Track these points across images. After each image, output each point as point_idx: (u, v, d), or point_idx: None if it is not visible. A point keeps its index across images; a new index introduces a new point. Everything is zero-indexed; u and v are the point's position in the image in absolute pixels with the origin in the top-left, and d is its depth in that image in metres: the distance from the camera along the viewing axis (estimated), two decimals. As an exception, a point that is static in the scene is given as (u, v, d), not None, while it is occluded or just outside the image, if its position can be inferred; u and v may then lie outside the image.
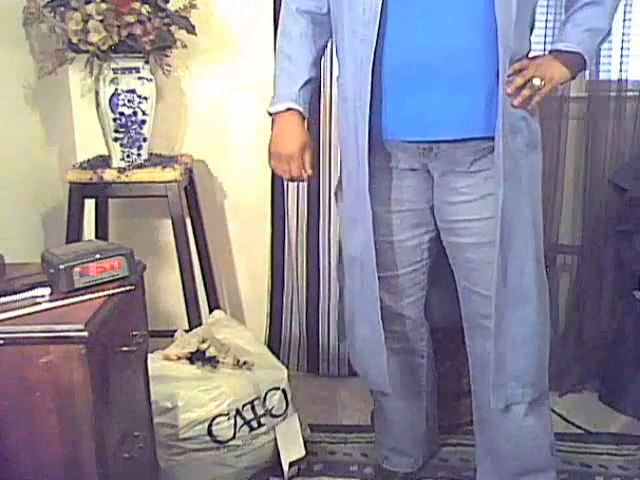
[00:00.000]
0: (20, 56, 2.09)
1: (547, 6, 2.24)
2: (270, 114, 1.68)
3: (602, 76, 2.33)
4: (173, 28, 2.11)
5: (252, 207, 2.53)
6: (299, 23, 1.65)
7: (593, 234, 2.43)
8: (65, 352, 1.22)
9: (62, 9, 1.99)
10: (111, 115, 2.11)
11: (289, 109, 1.63)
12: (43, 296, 1.35)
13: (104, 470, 1.30)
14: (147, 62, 2.13)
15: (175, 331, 2.12)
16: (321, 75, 2.05)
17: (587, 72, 2.19)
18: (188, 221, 2.34)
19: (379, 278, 1.63)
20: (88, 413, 1.25)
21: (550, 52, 1.59)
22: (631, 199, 2.27)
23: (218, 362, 1.95)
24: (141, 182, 2.13)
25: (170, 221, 2.18)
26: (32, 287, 1.37)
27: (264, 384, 1.96)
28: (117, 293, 1.38)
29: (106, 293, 1.36)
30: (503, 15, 1.43)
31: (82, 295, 1.34)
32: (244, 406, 1.90)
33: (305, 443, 2.03)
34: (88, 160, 2.26)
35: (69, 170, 2.17)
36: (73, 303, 1.32)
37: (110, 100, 2.10)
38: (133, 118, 2.13)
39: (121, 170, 2.12)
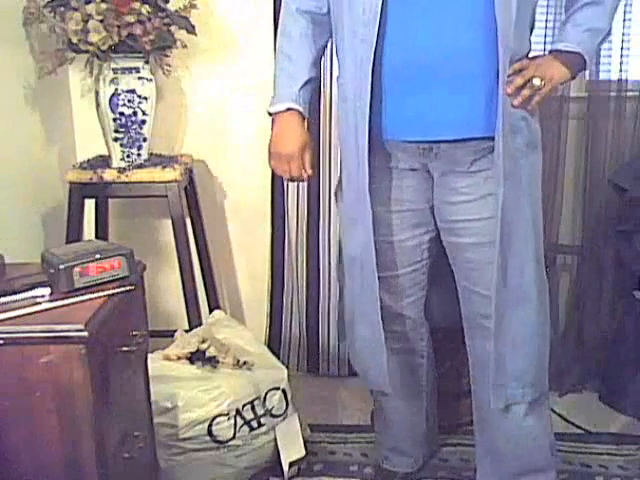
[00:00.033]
0: (20, 56, 2.09)
1: (547, 6, 2.24)
2: (270, 114, 1.68)
3: (602, 76, 2.33)
4: (173, 28, 2.11)
5: (252, 207, 2.53)
6: (299, 23, 1.65)
7: (593, 234, 2.43)
8: (65, 352, 1.22)
9: (62, 9, 1.99)
10: (111, 115, 2.11)
11: (289, 109, 1.63)
12: (43, 296, 1.35)
13: (104, 470, 1.30)
14: (147, 62, 2.13)
15: (175, 331, 2.12)
16: (321, 75, 2.05)
17: (587, 72, 2.19)
18: (188, 221, 2.34)
19: (379, 278, 1.63)
20: (88, 413, 1.25)
21: (550, 52, 1.59)
22: (631, 199, 2.27)
23: (218, 362, 1.95)
24: (141, 182, 2.13)
25: (170, 221, 2.18)
26: (32, 287, 1.37)
27: (264, 384, 1.96)
28: (117, 293, 1.38)
29: (106, 293, 1.36)
30: (503, 15, 1.43)
31: (82, 295, 1.34)
32: (244, 406, 1.90)
33: (305, 443, 2.03)
34: (88, 160, 2.26)
35: (69, 170, 2.17)
36: (73, 303, 1.32)
37: (110, 100, 2.10)
38: (133, 118, 2.13)
39: (121, 170, 2.12)
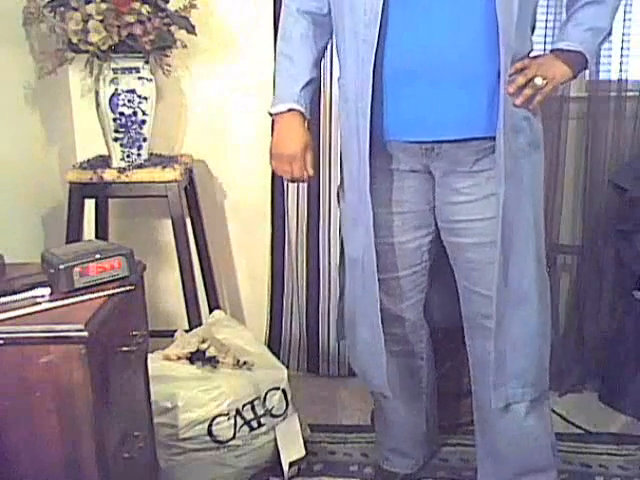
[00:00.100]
0: (20, 56, 2.09)
1: (547, 6, 2.24)
2: (271, 115, 1.68)
3: (602, 76, 2.33)
4: (173, 28, 2.11)
5: (252, 207, 2.53)
6: (300, 24, 1.64)
7: (593, 234, 2.43)
8: (65, 352, 1.22)
9: (62, 9, 1.99)
10: (111, 115, 2.11)
11: (290, 110, 1.63)
12: (43, 296, 1.35)
13: (104, 470, 1.30)
14: (147, 62, 2.13)
15: (175, 331, 2.12)
16: (321, 76, 2.05)
17: (587, 72, 2.19)
18: (188, 221, 2.34)
19: (379, 280, 1.62)
20: (88, 413, 1.25)
21: (551, 51, 1.59)
22: (631, 199, 2.27)
23: (218, 362, 1.95)
24: (141, 182, 2.13)
25: (170, 221, 2.18)
26: (32, 287, 1.37)
27: (264, 384, 1.96)
28: (117, 293, 1.38)
29: (106, 293, 1.36)
30: (504, 15, 1.43)
31: (82, 295, 1.34)
32: (244, 406, 1.90)
33: (305, 443, 2.03)
34: (88, 160, 2.26)
35: (69, 170, 2.17)
36: (73, 303, 1.32)
37: (110, 100, 2.10)
38: (133, 118, 2.13)
39: (121, 170, 2.12)
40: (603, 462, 2.05)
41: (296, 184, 2.40)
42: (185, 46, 2.16)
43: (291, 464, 1.98)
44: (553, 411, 2.12)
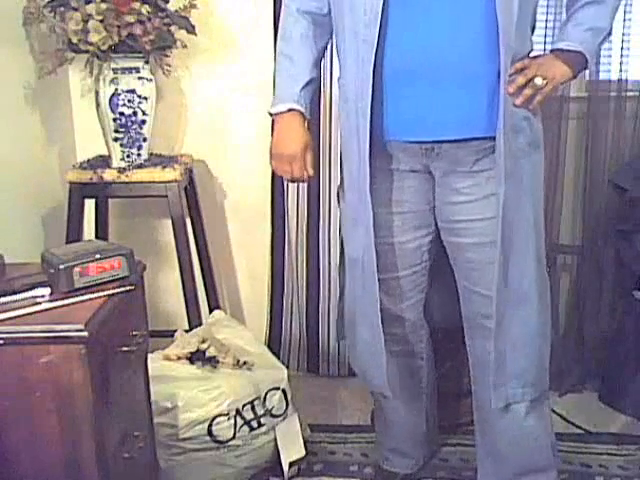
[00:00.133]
0: (20, 56, 2.09)
1: (547, 6, 2.24)
2: (271, 115, 1.68)
3: (602, 76, 2.33)
4: (173, 28, 2.11)
5: (252, 207, 2.53)
6: (300, 24, 1.64)
7: (593, 234, 2.43)
8: (65, 352, 1.22)
9: (62, 9, 1.99)
10: (111, 115, 2.11)
11: (291, 110, 1.63)
12: (43, 296, 1.35)
13: (104, 470, 1.30)
14: (147, 62, 2.13)
15: (175, 331, 2.12)
16: (321, 76, 2.05)
17: (587, 72, 2.19)
18: (188, 221, 2.34)
19: (379, 280, 1.62)
20: (88, 413, 1.25)
21: (551, 51, 1.59)
22: (631, 199, 2.27)
23: (218, 362, 1.95)
24: (141, 182, 2.13)
25: (170, 221, 2.18)
26: (32, 287, 1.37)
27: (264, 384, 1.96)
28: (117, 293, 1.38)
29: (106, 293, 1.36)
30: (504, 15, 1.43)
31: (82, 295, 1.34)
32: (244, 406, 1.90)
33: (305, 443, 2.03)
34: (88, 160, 2.26)
35: (69, 170, 2.17)
36: (73, 303, 1.32)
37: (110, 100, 2.10)
38: (133, 118, 2.13)
39: (121, 170, 2.12)
40: (603, 462, 2.05)
41: (296, 184, 2.40)
42: (185, 46, 2.16)
43: (291, 464, 1.98)
44: (553, 411, 2.12)
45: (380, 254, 1.62)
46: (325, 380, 2.56)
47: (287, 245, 2.51)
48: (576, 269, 2.49)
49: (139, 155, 2.18)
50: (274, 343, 2.57)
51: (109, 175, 2.12)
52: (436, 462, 2.05)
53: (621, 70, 2.31)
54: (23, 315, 1.26)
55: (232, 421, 1.87)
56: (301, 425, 2.05)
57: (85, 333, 1.21)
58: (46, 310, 1.29)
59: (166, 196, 2.14)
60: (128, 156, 2.16)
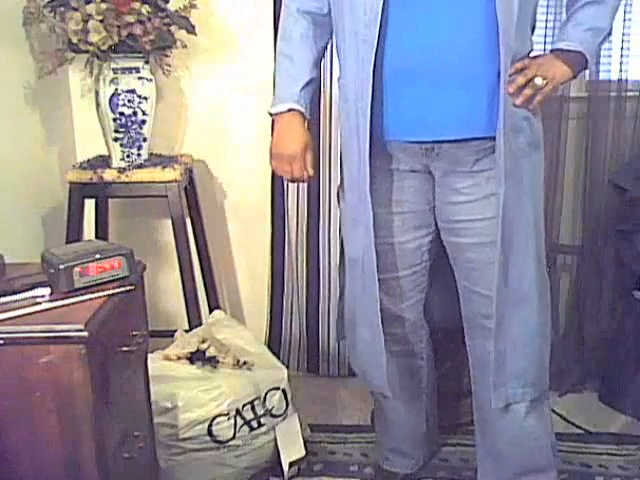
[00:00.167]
0: (20, 56, 2.09)
1: (547, 6, 2.24)
2: (271, 115, 1.68)
3: (602, 76, 2.33)
4: (173, 28, 2.11)
5: (252, 207, 2.53)
6: (300, 24, 1.64)
7: (593, 234, 2.43)
8: (65, 352, 1.22)
9: (62, 9, 1.99)
10: (111, 115, 2.11)
11: (291, 110, 1.63)
12: (43, 296, 1.35)
13: (104, 470, 1.30)
14: (147, 62, 2.13)
15: (175, 331, 2.12)
16: (321, 76, 2.05)
17: (587, 72, 2.19)
18: (188, 221, 2.34)
19: (379, 280, 1.62)
20: (88, 413, 1.25)
21: (551, 51, 1.59)
22: (631, 199, 2.27)
23: (218, 362, 1.95)
24: (141, 182, 2.13)
25: (170, 221, 2.18)
26: (32, 287, 1.37)
27: (264, 384, 1.96)
28: (117, 293, 1.38)
29: (106, 293, 1.36)
30: (504, 15, 1.43)
31: (82, 295, 1.34)
32: (244, 406, 1.90)
33: (305, 443, 2.03)
34: (88, 160, 2.26)
35: (69, 170, 2.17)
36: (73, 303, 1.32)
37: (110, 100, 2.10)
38: (133, 118, 2.13)
39: (121, 170, 2.12)
40: (603, 462, 2.05)
41: (296, 184, 2.40)
42: (185, 46, 2.16)
43: (291, 464, 1.98)
44: (553, 411, 2.12)
45: (380, 254, 1.62)
46: (325, 380, 2.56)
47: (287, 245, 2.51)
48: (576, 269, 2.49)
49: (139, 155, 2.18)
50: (274, 343, 2.57)
51: (109, 175, 2.12)
52: (436, 462, 2.05)
53: (621, 70, 2.31)
54: (23, 315, 1.26)
55: (232, 421, 1.87)
56: (301, 425, 2.05)
57: (85, 333, 1.21)
58: (46, 310, 1.29)
59: (166, 196, 2.14)
60: (128, 156, 2.16)
